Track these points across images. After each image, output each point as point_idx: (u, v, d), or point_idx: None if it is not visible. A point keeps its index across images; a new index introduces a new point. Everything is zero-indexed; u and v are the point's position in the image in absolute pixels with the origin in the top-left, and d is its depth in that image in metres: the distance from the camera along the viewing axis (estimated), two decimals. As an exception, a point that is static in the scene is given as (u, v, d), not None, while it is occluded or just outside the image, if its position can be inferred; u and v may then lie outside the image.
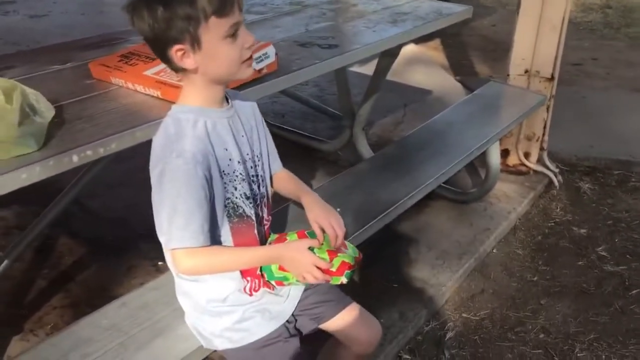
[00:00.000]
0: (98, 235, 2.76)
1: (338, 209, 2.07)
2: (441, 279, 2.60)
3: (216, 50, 1.27)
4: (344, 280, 1.46)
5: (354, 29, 2.55)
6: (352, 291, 2.44)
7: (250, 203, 1.45)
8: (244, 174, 1.43)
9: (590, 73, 5.17)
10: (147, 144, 1.57)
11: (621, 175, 3.57)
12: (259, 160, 1.51)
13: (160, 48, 1.29)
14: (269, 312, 1.52)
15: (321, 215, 1.53)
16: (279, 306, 1.55)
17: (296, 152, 3.44)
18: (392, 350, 2.24)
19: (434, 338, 2.37)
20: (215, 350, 1.54)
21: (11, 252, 2.13)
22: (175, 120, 1.36)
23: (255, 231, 1.49)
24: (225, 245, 1.42)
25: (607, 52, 5.71)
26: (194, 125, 1.34)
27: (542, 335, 2.41)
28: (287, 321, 1.57)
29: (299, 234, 1.56)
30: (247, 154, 1.46)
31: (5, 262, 2.09)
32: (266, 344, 1.49)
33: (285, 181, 1.66)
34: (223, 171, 1.37)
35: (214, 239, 1.39)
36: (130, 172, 3.13)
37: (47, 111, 1.58)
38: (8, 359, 2.06)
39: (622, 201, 3.33)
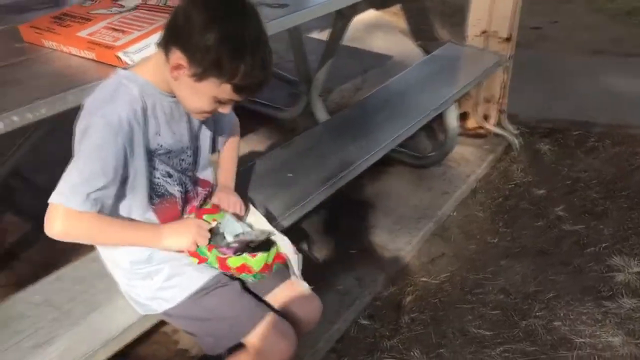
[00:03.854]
0: (44, 212, 2.63)
1: (290, 175, 2.03)
2: (399, 244, 2.56)
3: (199, 92, 1.26)
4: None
5: (305, -12, 2.45)
6: (308, 259, 2.43)
7: (174, 181, 1.42)
8: (172, 155, 1.39)
9: (550, 36, 5.15)
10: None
11: (580, 135, 3.57)
12: (198, 144, 1.50)
13: (179, 39, 1.22)
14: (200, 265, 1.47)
15: (223, 195, 1.57)
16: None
17: (253, 121, 3.35)
18: (349, 316, 2.20)
19: (393, 303, 2.34)
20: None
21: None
22: (118, 84, 1.30)
23: (180, 208, 1.46)
24: (109, 217, 1.32)
25: (566, 16, 5.70)
26: (133, 97, 1.29)
27: (501, 296, 2.40)
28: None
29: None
30: (186, 138, 1.42)
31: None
32: (204, 293, 1.42)
33: (222, 156, 1.69)
34: (150, 150, 1.33)
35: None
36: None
37: (-35, 75, 1.48)
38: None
39: (580, 161, 3.33)
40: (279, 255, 1.47)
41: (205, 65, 1.20)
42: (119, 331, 1.39)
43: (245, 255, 1.40)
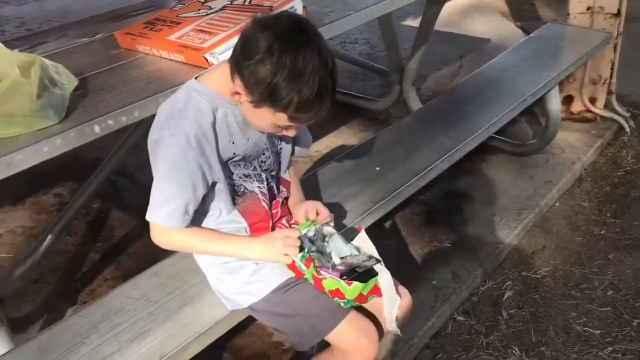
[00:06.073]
0: (146, 207, 2.76)
1: (378, 169, 1.99)
2: (499, 237, 2.45)
3: (259, 117, 1.27)
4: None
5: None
6: (402, 253, 2.39)
7: (252, 179, 1.43)
8: (249, 160, 1.40)
9: (670, 7, 4.73)
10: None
11: (703, 116, 3.26)
12: (280, 146, 1.50)
13: (238, 68, 1.23)
14: None
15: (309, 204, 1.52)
16: None
17: (346, 113, 3.34)
18: (445, 312, 2.14)
19: (490, 298, 2.25)
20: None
21: (53, 228, 2.16)
22: (189, 97, 1.32)
23: (265, 205, 1.46)
24: (205, 230, 1.41)
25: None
26: (203, 111, 1.30)
27: (610, 292, 2.24)
28: None
29: None
30: (262, 141, 1.42)
31: (50, 237, 2.12)
32: (288, 289, 1.43)
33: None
34: (225, 160, 1.35)
35: (229, 223, 1.42)
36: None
37: (68, 83, 1.56)
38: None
39: (703, 144, 3.05)
40: (376, 288, 1.41)
41: (259, 97, 1.21)
42: (209, 326, 1.42)
43: (342, 281, 1.35)
